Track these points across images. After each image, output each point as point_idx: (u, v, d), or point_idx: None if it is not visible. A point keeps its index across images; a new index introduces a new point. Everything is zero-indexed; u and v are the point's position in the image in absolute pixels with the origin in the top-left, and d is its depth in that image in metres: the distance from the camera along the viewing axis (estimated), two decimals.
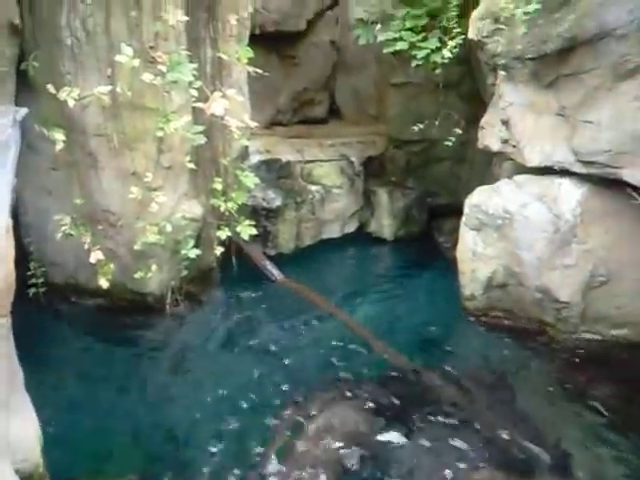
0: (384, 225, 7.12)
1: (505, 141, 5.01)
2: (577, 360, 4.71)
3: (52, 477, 3.10)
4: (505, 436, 3.91)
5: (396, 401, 4.27)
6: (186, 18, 4.18)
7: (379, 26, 5.95)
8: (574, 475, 3.62)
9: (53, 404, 3.95)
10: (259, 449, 3.81)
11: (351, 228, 7.13)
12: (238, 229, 5.02)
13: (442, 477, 3.56)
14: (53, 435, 3.43)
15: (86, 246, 4.48)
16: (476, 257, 5.13)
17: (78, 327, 5.11)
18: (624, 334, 4.75)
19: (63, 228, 4.54)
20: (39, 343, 4.64)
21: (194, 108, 4.38)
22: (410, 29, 5.57)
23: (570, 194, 4.71)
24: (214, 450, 3.82)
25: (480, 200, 5.09)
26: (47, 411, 3.40)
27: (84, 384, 4.45)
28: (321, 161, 6.89)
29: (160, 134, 4.24)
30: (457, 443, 3.83)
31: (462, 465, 3.64)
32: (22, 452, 2.59)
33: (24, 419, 2.81)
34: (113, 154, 4.61)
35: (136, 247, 4.66)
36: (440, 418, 4.11)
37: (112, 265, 4.64)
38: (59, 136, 4.18)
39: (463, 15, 5.11)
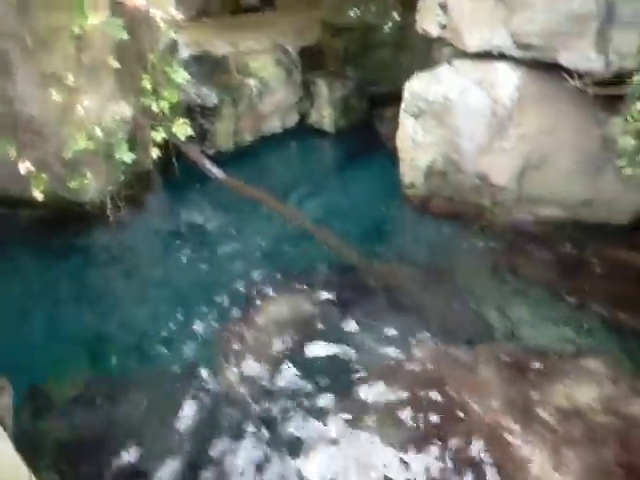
0: (324, 116, 7.00)
1: (443, 26, 4.88)
2: (513, 240, 4.91)
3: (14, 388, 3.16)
4: (448, 313, 4.18)
5: (344, 291, 4.42)
6: None
7: None
8: (514, 340, 3.93)
9: (8, 319, 3.97)
10: (205, 345, 3.96)
11: (291, 122, 6.98)
12: (173, 129, 4.83)
13: (389, 356, 3.80)
14: (7, 346, 3.47)
15: (12, 157, 4.26)
16: (416, 145, 5.15)
17: (19, 240, 4.98)
18: (556, 213, 4.95)
19: None
20: None
21: (113, 1, 4.05)
22: None
23: (508, 78, 4.70)
24: (168, 350, 3.95)
25: (419, 87, 5.03)
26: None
27: (35, 296, 4.43)
28: (256, 53, 6.57)
29: (77, 31, 3.92)
30: (401, 325, 4.04)
31: (409, 342, 3.89)
32: None
33: None
34: (28, 55, 4.26)
35: (66, 155, 4.46)
36: (384, 302, 4.30)
37: (44, 175, 4.45)
38: None
39: None
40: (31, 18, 4.12)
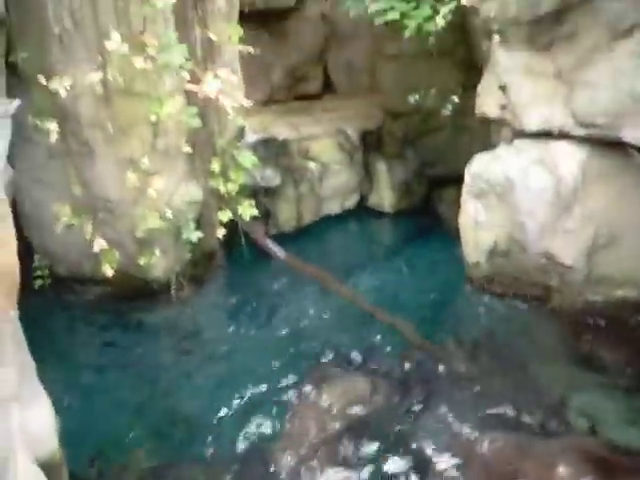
0: (384, 198, 7.10)
1: (503, 107, 4.95)
2: (583, 323, 4.71)
3: (70, 465, 3.15)
4: (516, 402, 3.94)
5: (406, 372, 4.31)
6: (174, 0, 4.10)
7: None
8: (594, 434, 3.65)
9: (68, 393, 4.01)
10: (272, 423, 3.89)
11: (351, 203, 7.11)
12: (239, 210, 5.00)
13: (455, 446, 3.60)
14: (69, 424, 3.49)
15: (88, 236, 4.49)
16: (478, 225, 5.11)
17: (86, 317, 5.14)
18: (629, 294, 4.74)
19: (64, 219, 4.54)
20: (48, 334, 4.68)
21: (187, 91, 4.35)
22: None
23: (570, 157, 4.67)
24: (227, 429, 3.89)
25: (480, 167, 5.06)
26: (62, 400, 3.44)
27: (95, 372, 4.51)
28: (318, 137, 6.84)
29: (154, 119, 4.21)
30: (468, 412, 3.86)
31: (475, 433, 3.67)
32: (39, 442, 2.62)
33: (39, 410, 2.83)
34: (108, 142, 4.57)
35: (138, 234, 4.67)
36: (450, 387, 4.15)
37: (116, 253, 4.66)
38: (53, 126, 4.15)
39: None
40: (113, 107, 4.45)
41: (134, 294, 5.13)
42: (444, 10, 5.05)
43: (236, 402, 4.11)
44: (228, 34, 4.55)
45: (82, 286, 5.26)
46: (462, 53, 6.12)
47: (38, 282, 4.88)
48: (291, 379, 4.30)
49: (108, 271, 4.61)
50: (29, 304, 3.31)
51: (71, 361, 4.60)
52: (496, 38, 4.72)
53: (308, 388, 4.18)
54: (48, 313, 4.92)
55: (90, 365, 4.61)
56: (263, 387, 4.24)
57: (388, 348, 4.64)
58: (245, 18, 5.65)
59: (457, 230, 5.31)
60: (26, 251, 4.37)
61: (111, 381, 4.39)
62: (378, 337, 4.78)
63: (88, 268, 5.06)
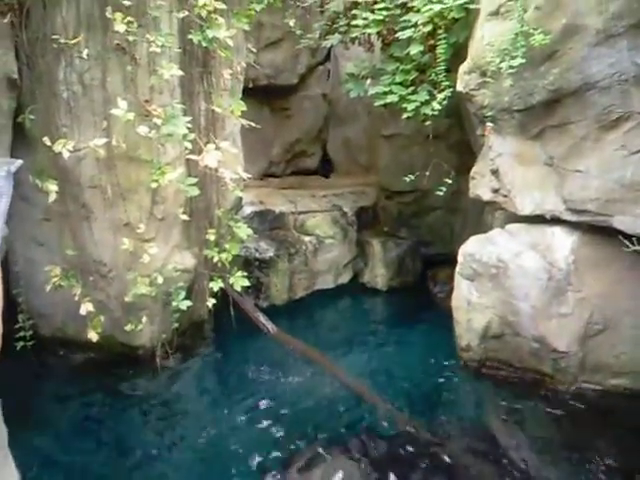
0: (378, 275, 7.11)
1: (496, 191, 5.05)
2: (577, 412, 4.61)
3: None
4: None
5: (394, 459, 4.15)
6: (180, 72, 4.26)
7: (369, 80, 6.09)
8: None
9: (37, 463, 3.84)
10: None
11: (345, 279, 7.11)
12: (231, 280, 4.97)
13: None
14: None
15: (76, 298, 4.44)
16: (471, 307, 5.08)
17: (65, 382, 4.97)
18: (623, 383, 4.68)
19: (53, 279, 4.49)
20: (25, 400, 4.53)
21: (188, 160, 4.43)
22: (400, 83, 5.70)
23: (563, 242, 4.73)
24: None
25: (474, 249, 5.09)
26: (30, 471, 3.27)
27: (69, 442, 4.32)
28: (314, 212, 6.94)
29: (154, 186, 4.25)
30: None
31: None
32: None
33: (5, 478, 2.70)
34: (107, 205, 4.61)
35: (127, 299, 4.61)
36: (438, 473, 3.99)
37: (102, 317, 4.59)
38: (52, 187, 4.19)
39: (451, 69, 5.25)
40: (114, 172, 4.51)
41: (118, 361, 5.02)
42: (440, 96, 5.26)
43: None
44: (231, 108, 4.68)
45: (65, 350, 5.14)
46: (456, 136, 6.33)
47: (20, 343, 4.75)
48: (275, 464, 4.09)
49: (93, 336, 4.52)
50: (9, 366, 3.21)
51: (46, 431, 4.39)
52: (489, 125, 4.88)
53: (293, 474, 3.99)
54: (27, 377, 4.77)
55: (64, 436, 4.40)
56: (244, 470, 4.04)
57: (374, 432, 4.47)
58: (249, 93, 5.87)
59: (450, 310, 5.28)
60: (11, 310, 4.28)
61: (84, 454, 4.17)
62: (367, 419, 4.64)
63: (73, 331, 4.97)
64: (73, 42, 4.18)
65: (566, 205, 4.62)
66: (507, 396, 4.87)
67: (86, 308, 4.41)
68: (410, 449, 4.24)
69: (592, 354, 4.68)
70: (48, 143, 4.11)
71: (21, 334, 4.73)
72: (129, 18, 4.03)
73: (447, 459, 4.13)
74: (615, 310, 4.58)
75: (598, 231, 4.56)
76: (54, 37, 4.17)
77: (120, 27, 3.99)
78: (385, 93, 5.72)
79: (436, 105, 5.30)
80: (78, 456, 4.14)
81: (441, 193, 5.33)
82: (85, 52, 4.21)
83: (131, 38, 4.12)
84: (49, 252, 4.81)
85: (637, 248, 3.90)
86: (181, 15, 4.33)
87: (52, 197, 4.20)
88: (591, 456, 4.12)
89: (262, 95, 7.85)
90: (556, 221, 4.75)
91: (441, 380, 5.24)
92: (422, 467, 4.05)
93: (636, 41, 4.07)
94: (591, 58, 4.24)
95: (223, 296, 5.31)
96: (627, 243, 3.96)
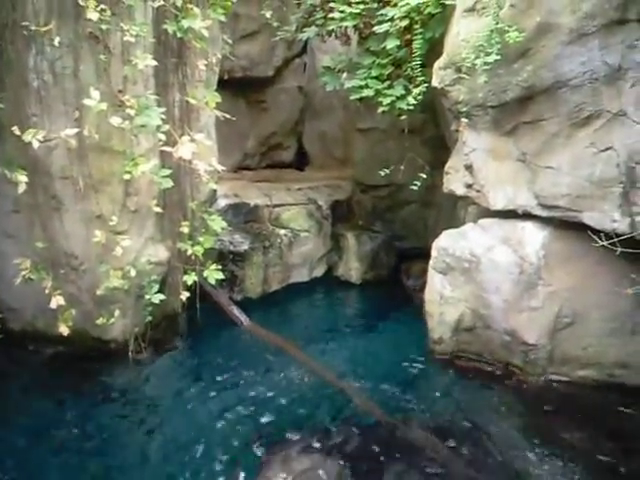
0: (352, 269, 7.14)
1: (469, 186, 5.11)
2: (546, 402, 4.70)
3: None
4: (476, 477, 3.87)
5: (366, 451, 4.17)
6: (155, 63, 4.19)
7: (346, 74, 6.09)
8: None
9: (7, 458, 3.78)
10: None
11: (319, 272, 7.13)
12: (205, 273, 4.94)
13: None
14: None
15: (47, 291, 4.36)
16: (443, 300, 5.15)
17: (36, 377, 4.89)
18: (591, 375, 4.80)
19: (23, 272, 4.40)
20: None
21: (162, 152, 4.38)
22: (376, 77, 5.71)
23: (534, 237, 4.81)
24: None
25: (447, 243, 5.15)
26: None
27: (41, 438, 4.23)
28: (289, 205, 6.93)
29: (127, 177, 4.20)
30: None
31: None
32: None
33: None
34: (78, 197, 4.54)
35: (99, 292, 4.56)
36: (411, 467, 4.02)
37: (73, 311, 4.52)
38: (22, 178, 4.08)
39: (426, 64, 5.28)
40: (86, 163, 4.43)
41: (90, 355, 4.96)
42: (415, 91, 5.29)
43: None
44: (206, 99, 4.63)
45: (36, 343, 5.07)
46: (431, 131, 6.38)
47: None
48: (248, 460, 4.07)
49: (64, 329, 4.45)
50: None
51: (12, 426, 4.31)
52: (464, 120, 4.93)
53: (267, 470, 3.95)
54: None
55: (32, 432, 4.31)
56: (217, 466, 4.00)
57: (347, 424, 4.48)
58: (224, 85, 5.82)
59: (423, 304, 5.34)
60: None
61: (50, 449, 4.10)
62: (340, 410, 4.66)
63: (43, 325, 4.90)
64: (44, 29, 4.08)
65: (538, 200, 4.70)
66: (478, 387, 4.96)
67: (57, 301, 4.34)
68: (382, 440, 4.27)
69: (561, 347, 4.79)
70: (17, 132, 3.99)
71: None
72: (102, 6, 3.95)
73: (416, 448, 4.19)
74: (584, 304, 4.69)
75: (568, 226, 4.65)
76: (24, 24, 4.06)
77: (93, 15, 3.90)
78: (361, 87, 5.73)
79: (411, 100, 5.33)
80: (49, 454, 4.07)
81: (415, 187, 5.37)
82: (57, 40, 4.08)
83: (104, 27, 4.04)
84: (19, 244, 4.72)
85: (605, 243, 3.98)
86: (156, 4, 4.26)
87: (22, 188, 4.09)
88: (559, 444, 4.23)
89: (237, 87, 7.80)
90: (528, 216, 4.84)
91: (413, 372, 5.29)
92: (395, 457, 4.09)
93: (607, 40, 4.15)
94: (564, 56, 4.31)
95: (197, 290, 5.27)
96: (596, 239, 4.04)
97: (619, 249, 3.92)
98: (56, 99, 4.34)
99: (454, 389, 5.05)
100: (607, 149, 4.29)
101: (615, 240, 3.93)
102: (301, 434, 4.33)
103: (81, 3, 3.94)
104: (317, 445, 4.21)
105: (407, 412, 4.68)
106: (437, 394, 5.09)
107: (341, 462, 4.03)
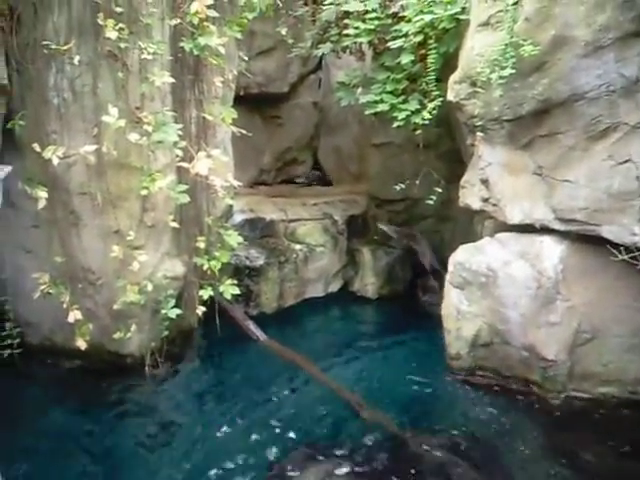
0: (368, 284, 7.11)
1: (485, 200, 5.08)
2: (565, 420, 4.63)
3: None
4: None
5: (383, 467, 4.12)
6: (172, 80, 4.26)
7: (360, 89, 6.13)
8: None
9: (24, 475, 3.77)
10: None
11: (335, 287, 7.10)
12: (221, 288, 4.95)
13: None
14: None
15: (64, 305, 4.40)
16: (461, 315, 5.10)
17: (53, 391, 4.91)
18: (611, 392, 4.71)
19: (42, 287, 4.45)
20: (12, 409, 4.46)
21: (179, 167, 4.42)
22: (390, 92, 5.74)
23: (552, 251, 4.76)
24: None
25: (464, 258, 5.11)
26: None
27: (57, 453, 4.24)
28: (304, 220, 6.94)
29: (144, 193, 4.24)
30: None
31: None
32: None
33: None
34: (96, 212, 4.59)
35: (116, 306, 4.58)
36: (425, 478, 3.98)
37: (90, 325, 4.55)
38: (42, 194, 4.16)
39: (441, 79, 5.29)
40: (104, 179, 4.48)
41: (106, 369, 4.96)
42: (430, 105, 5.30)
43: None
44: (222, 115, 4.68)
45: (53, 358, 5.08)
46: (446, 145, 6.36)
47: (7, 352, 4.70)
48: (262, 471, 4.05)
49: (81, 344, 4.48)
50: None
51: (31, 440, 4.31)
52: (479, 134, 4.92)
53: None
54: (13, 387, 4.69)
55: (50, 445, 4.31)
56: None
57: (362, 439, 4.44)
58: (240, 101, 5.88)
59: (440, 319, 5.29)
60: None
61: (68, 463, 4.10)
62: (355, 427, 4.61)
63: (61, 339, 4.93)
64: (64, 48, 4.16)
65: (555, 214, 4.65)
66: (496, 404, 4.88)
67: (74, 316, 4.37)
68: (398, 456, 4.23)
69: (580, 363, 4.71)
70: (38, 149, 4.08)
71: (8, 342, 4.69)
72: (121, 25, 4.02)
73: (435, 466, 4.13)
74: (603, 319, 4.62)
75: (586, 240, 4.59)
76: (45, 43, 4.15)
77: (112, 34, 3.98)
78: (376, 102, 5.76)
79: (426, 114, 5.34)
80: (67, 468, 4.07)
81: (431, 202, 5.35)
82: (76, 58, 4.18)
83: (123, 45, 4.12)
84: (37, 259, 4.77)
85: (625, 257, 3.93)
86: (173, 23, 4.34)
87: (41, 204, 4.17)
88: (579, 463, 4.14)
89: (253, 103, 7.87)
90: (545, 230, 4.79)
91: (430, 388, 5.23)
92: (410, 474, 4.03)
93: (623, 53, 4.13)
94: (579, 69, 4.29)
95: (213, 305, 5.28)
96: (615, 252, 3.99)
97: None
98: (75, 116, 4.41)
99: (472, 405, 4.98)
100: (625, 161, 4.25)
101: (636, 254, 3.88)
102: (314, 448, 4.30)
103: (100, 22, 4.03)
104: (329, 458, 4.17)
105: (425, 429, 4.62)
106: (454, 411, 5.04)
107: (358, 475, 3.99)
